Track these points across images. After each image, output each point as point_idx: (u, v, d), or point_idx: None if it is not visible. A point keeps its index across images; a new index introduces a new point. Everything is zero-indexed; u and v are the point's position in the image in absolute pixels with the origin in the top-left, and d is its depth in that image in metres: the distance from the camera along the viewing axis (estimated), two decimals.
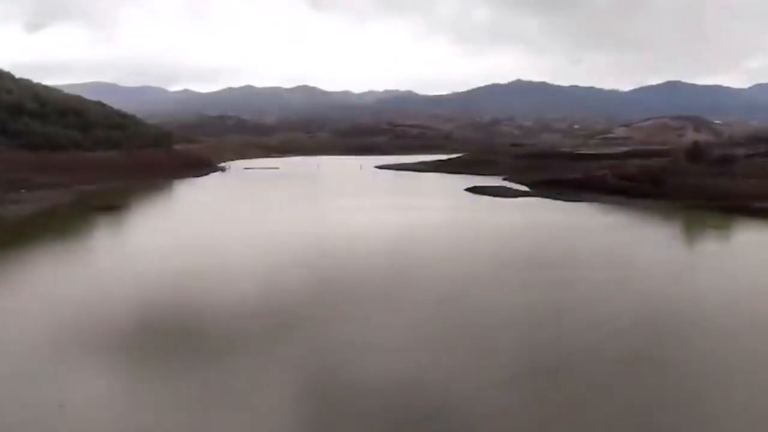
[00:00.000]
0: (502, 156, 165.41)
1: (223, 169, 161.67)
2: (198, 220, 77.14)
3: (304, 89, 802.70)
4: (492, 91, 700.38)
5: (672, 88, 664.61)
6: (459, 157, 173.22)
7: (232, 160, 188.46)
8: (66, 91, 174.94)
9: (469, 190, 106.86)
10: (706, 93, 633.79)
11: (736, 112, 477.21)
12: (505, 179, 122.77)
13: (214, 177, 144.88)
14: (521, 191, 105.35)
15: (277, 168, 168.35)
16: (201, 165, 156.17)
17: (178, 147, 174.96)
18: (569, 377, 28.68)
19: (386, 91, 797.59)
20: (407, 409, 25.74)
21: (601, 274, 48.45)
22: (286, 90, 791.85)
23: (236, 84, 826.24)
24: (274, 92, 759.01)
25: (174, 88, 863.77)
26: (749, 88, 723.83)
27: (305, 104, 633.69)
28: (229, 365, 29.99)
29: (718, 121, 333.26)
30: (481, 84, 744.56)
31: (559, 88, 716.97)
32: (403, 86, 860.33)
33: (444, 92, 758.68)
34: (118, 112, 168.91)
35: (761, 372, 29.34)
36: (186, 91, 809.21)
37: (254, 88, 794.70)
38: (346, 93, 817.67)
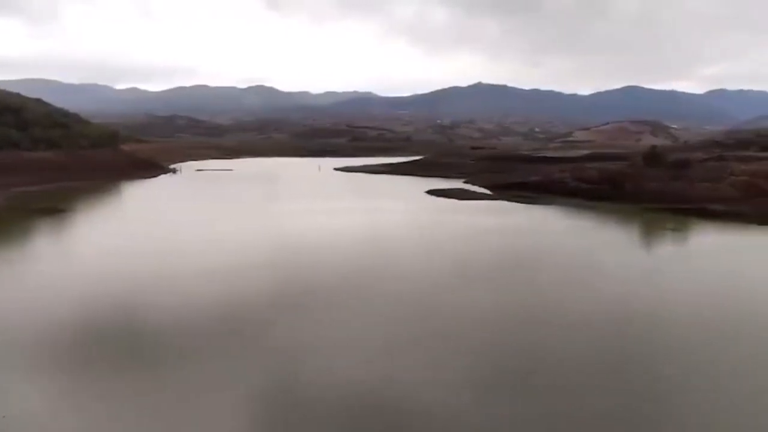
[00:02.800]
0: (463, 159, 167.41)
1: (174, 171, 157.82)
2: (148, 224, 74.75)
3: (260, 89, 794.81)
4: (452, 93, 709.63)
5: (630, 92, 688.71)
6: (419, 159, 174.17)
7: (184, 161, 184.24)
8: (1, 87, 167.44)
9: (429, 192, 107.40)
10: (663, 98, 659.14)
11: (691, 117, 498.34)
12: (465, 182, 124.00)
13: (164, 179, 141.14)
14: (482, 194, 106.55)
15: (231, 170, 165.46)
16: (150, 166, 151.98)
17: (125, 148, 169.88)
18: (539, 380, 28.82)
19: (345, 93, 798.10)
20: (371, 417, 25.36)
21: (563, 277, 49.28)
22: (242, 90, 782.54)
23: (188, 83, 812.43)
24: (229, 92, 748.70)
25: (121, 86, 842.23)
26: (704, 94, 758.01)
27: (261, 105, 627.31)
28: (179, 374, 28.96)
29: (674, 126, 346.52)
30: (442, 86, 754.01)
31: (519, 91, 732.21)
32: (362, 87, 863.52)
33: (404, 94, 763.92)
34: (60, 111, 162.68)
35: (725, 372, 30.18)
36: (134, 89, 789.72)
37: (208, 88, 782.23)
38: (304, 94, 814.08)
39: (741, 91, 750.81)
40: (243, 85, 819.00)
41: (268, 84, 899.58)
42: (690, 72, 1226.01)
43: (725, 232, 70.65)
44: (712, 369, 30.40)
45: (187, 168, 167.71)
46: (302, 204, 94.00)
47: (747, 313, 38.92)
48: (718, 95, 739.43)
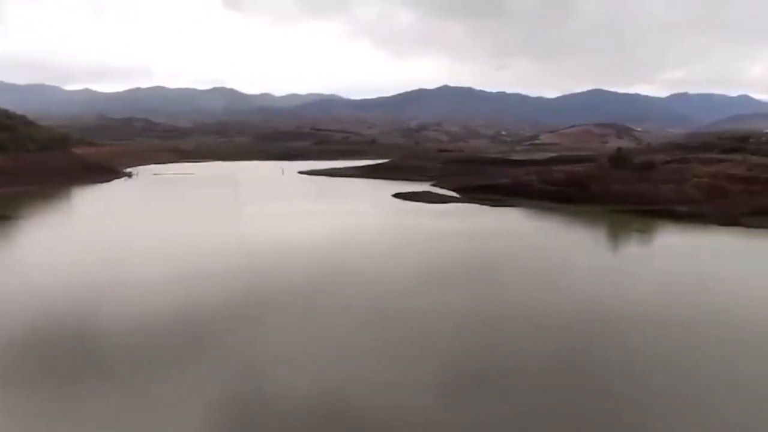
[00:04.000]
0: (430, 162, 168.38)
1: (129, 175, 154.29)
2: (102, 231, 72.95)
3: (221, 91, 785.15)
4: (418, 96, 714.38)
5: (596, 95, 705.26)
6: (385, 162, 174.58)
7: (141, 165, 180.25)
8: None
9: (396, 196, 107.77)
10: (627, 101, 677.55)
11: (654, 120, 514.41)
12: (433, 185, 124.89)
13: (119, 183, 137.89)
14: (449, 197, 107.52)
15: (191, 173, 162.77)
16: (104, 170, 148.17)
17: (77, 151, 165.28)
18: (508, 382, 29.20)
19: (309, 95, 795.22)
20: (339, 426, 25.28)
21: (531, 279, 50.13)
22: (202, 92, 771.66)
23: (145, 84, 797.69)
24: (188, 94, 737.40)
25: (72, 87, 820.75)
26: (666, 97, 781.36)
27: (222, 107, 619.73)
28: (135, 387, 28.33)
29: (638, 129, 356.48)
30: (407, 89, 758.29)
31: (485, 93, 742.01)
32: (326, 90, 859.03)
33: (369, 96, 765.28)
34: (5, 112, 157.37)
35: (690, 370, 31.15)
36: (86, 90, 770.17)
37: (165, 89, 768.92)
38: (267, 96, 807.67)
39: (702, 94, 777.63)
40: (203, 87, 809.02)
41: (229, 86, 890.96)
42: (653, 76, 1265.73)
43: (688, 233, 73.03)
44: (676, 367, 31.36)
45: (145, 172, 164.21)
46: (266, 208, 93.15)
47: (709, 312, 40.31)
48: (680, 99, 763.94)
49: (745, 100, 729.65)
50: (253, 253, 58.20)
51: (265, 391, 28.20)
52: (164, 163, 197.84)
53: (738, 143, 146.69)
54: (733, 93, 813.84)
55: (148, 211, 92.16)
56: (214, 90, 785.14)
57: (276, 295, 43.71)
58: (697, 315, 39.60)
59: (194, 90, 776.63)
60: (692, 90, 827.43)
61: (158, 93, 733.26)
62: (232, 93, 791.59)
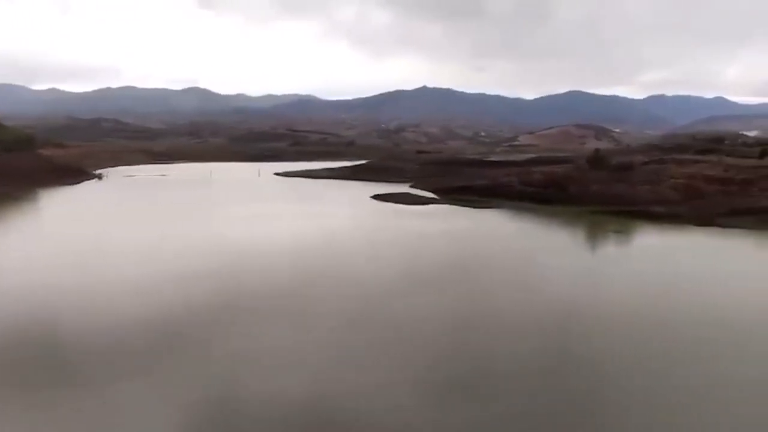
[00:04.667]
0: (408, 163, 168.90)
1: (99, 177, 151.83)
2: (70, 234, 71.71)
3: (195, 91, 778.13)
4: (397, 97, 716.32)
5: (574, 97, 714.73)
6: (364, 163, 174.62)
7: (111, 166, 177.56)
8: None
9: (374, 197, 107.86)
10: (605, 103, 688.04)
11: (632, 121, 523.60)
12: (411, 186, 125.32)
13: (89, 185, 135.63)
14: (428, 198, 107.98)
15: (164, 175, 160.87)
16: (73, 172, 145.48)
17: (44, 152, 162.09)
18: (487, 384, 29.42)
19: (285, 95, 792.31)
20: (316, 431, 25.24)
21: (510, 280, 50.65)
22: (174, 92, 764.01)
23: (115, 84, 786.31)
24: (160, 94, 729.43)
25: (39, 86, 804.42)
26: (644, 99, 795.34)
27: (196, 107, 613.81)
28: (109, 393, 27.94)
29: (616, 130, 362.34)
30: (386, 90, 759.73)
31: (464, 95, 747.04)
32: (303, 90, 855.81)
33: (347, 97, 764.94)
34: None
35: (673, 373, 31.73)
36: (54, 90, 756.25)
37: (136, 89, 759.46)
38: (242, 96, 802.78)
39: (679, 96, 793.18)
40: (175, 87, 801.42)
41: (202, 86, 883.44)
42: (631, 77, 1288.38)
43: (665, 234, 74.42)
44: (655, 367, 31.95)
45: (115, 174, 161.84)
46: (242, 210, 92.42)
47: (686, 312, 41.17)
48: (657, 100, 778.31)
49: (720, 101, 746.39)
50: (228, 256, 57.77)
51: (243, 396, 28.01)
52: (135, 164, 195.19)
53: (714, 144, 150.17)
54: (709, 95, 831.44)
55: (119, 214, 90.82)
56: (188, 90, 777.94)
57: (252, 298, 43.46)
58: (675, 315, 40.38)
59: (167, 90, 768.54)
60: (669, 92, 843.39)
61: (129, 93, 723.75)
62: (206, 93, 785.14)
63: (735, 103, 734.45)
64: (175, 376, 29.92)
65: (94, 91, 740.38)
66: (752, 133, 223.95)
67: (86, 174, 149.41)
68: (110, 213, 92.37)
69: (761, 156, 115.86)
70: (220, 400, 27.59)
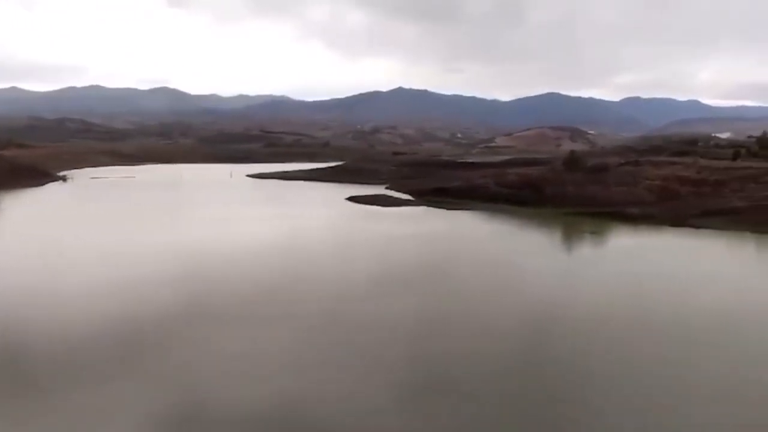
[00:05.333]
0: (384, 164, 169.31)
1: (64, 179, 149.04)
2: (34, 237, 70.18)
3: (164, 91, 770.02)
4: (372, 98, 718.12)
5: (550, 99, 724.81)
6: (339, 165, 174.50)
7: (76, 168, 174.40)
8: None
9: (350, 199, 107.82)
10: (581, 105, 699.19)
11: (607, 123, 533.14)
12: (387, 188, 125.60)
13: (53, 187, 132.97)
14: (404, 200, 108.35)
15: (132, 177, 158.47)
16: (36, 174, 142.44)
17: (5, 153, 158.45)
18: (459, 390, 29.53)
19: (259, 96, 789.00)
20: None
21: (485, 282, 51.04)
22: (143, 92, 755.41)
23: (80, 83, 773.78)
24: (127, 94, 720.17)
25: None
26: (619, 101, 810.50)
27: (165, 108, 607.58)
28: (64, 402, 27.44)
29: (591, 132, 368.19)
30: (361, 90, 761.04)
31: (441, 96, 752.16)
32: (276, 91, 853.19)
33: (322, 98, 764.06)
34: None
35: (649, 374, 32.30)
36: (14, 89, 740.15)
37: (103, 89, 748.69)
38: (213, 97, 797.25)
39: (654, 99, 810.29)
40: (144, 87, 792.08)
41: (172, 86, 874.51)
42: (606, 80, 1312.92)
43: (640, 234, 75.81)
44: (630, 368, 32.50)
45: (81, 175, 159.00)
46: (212, 213, 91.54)
47: (661, 312, 41.99)
48: (632, 103, 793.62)
49: (694, 104, 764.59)
50: (197, 259, 57.13)
51: (210, 403, 27.65)
52: (102, 166, 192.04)
53: (687, 146, 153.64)
54: (683, 98, 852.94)
55: (84, 217, 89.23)
56: (157, 90, 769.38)
57: (222, 303, 42.99)
58: (650, 315, 41.07)
59: (135, 90, 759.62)
60: (644, 94, 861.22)
61: (95, 92, 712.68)
62: (176, 93, 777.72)
63: (708, 106, 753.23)
64: (137, 384, 29.45)
65: (58, 91, 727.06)
66: (725, 135, 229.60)
67: (50, 176, 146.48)
68: (75, 216, 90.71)
69: (733, 158, 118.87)
70: (185, 408, 27.22)
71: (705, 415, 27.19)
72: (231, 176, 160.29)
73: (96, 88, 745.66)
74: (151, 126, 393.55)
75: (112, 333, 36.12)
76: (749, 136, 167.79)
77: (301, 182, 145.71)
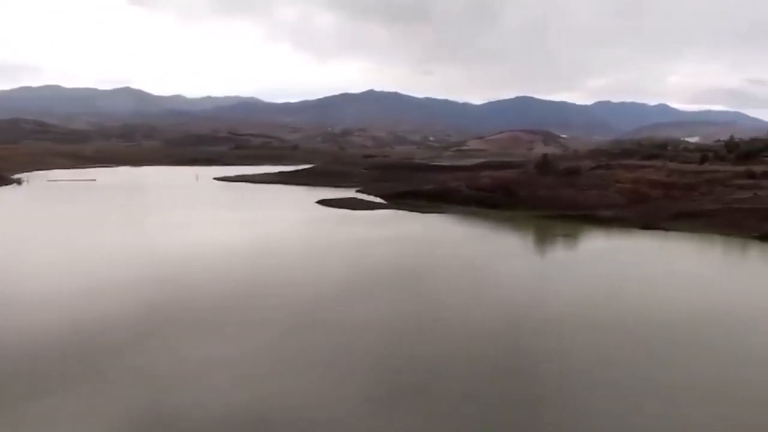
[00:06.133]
0: (355, 167, 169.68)
1: (19, 182, 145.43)
2: None
3: (127, 92, 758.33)
4: (343, 100, 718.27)
5: (522, 102, 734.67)
6: (309, 168, 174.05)
7: (33, 170, 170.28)
8: None
9: (320, 202, 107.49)
10: (553, 108, 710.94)
11: (579, 127, 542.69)
12: (358, 191, 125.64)
13: (7, 191, 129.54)
14: (376, 203, 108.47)
15: (93, 180, 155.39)
16: None
17: None
18: (431, 396, 29.60)
19: (226, 97, 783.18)
20: None
21: (457, 285, 51.29)
22: (104, 92, 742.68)
23: (36, 83, 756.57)
24: (87, 94, 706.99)
25: None
26: (591, 105, 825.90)
27: (128, 109, 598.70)
28: (20, 413, 26.68)
29: (564, 135, 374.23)
30: (332, 93, 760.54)
31: (412, 99, 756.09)
32: (244, 92, 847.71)
33: (291, 100, 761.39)
34: None
35: (622, 375, 32.87)
36: None
37: (61, 89, 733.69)
38: (179, 98, 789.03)
39: (624, 103, 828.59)
40: (105, 87, 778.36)
41: (136, 86, 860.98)
42: (578, 84, 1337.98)
43: (613, 237, 77.20)
44: (603, 369, 33.04)
45: (38, 178, 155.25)
46: (176, 217, 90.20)
47: (634, 314, 42.83)
48: (604, 106, 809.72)
49: (663, 108, 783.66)
50: (160, 265, 56.12)
51: (173, 413, 27.20)
52: (60, 168, 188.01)
53: (658, 150, 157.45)
54: (653, 102, 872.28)
55: (40, 221, 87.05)
56: (119, 90, 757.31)
57: (186, 309, 42.27)
58: (622, 317, 41.79)
59: (95, 90, 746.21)
60: (615, 98, 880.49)
61: (52, 93, 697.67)
62: (139, 94, 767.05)
63: (677, 110, 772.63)
64: (101, 393, 28.83)
65: (12, 90, 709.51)
66: (693, 140, 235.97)
67: (4, 179, 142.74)
68: (30, 220, 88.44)
69: (701, 161, 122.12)
70: (152, 418, 26.76)
71: (690, 415, 27.66)
72: (197, 179, 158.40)
73: (53, 88, 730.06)
74: (112, 127, 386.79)
75: (75, 340, 35.31)
76: (717, 140, 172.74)
77: (270, 185, 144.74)
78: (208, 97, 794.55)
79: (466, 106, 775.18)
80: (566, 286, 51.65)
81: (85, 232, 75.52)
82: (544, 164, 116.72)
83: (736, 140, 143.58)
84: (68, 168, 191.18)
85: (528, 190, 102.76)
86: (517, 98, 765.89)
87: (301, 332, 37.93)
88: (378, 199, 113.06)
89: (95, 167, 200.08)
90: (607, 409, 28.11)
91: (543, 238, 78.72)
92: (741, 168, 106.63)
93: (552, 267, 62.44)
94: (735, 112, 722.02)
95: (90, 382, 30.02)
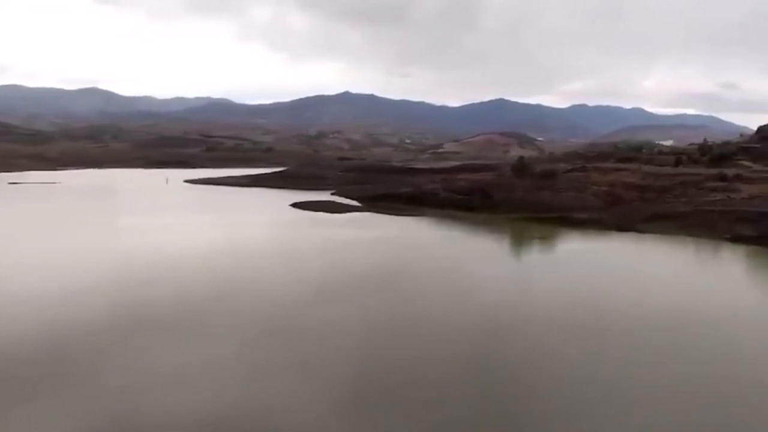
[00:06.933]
0: (330, 170, 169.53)
1: None
2: None
3: (94, 92, 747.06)
4: (318, 102, 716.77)
5: (498, 105, 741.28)
6: (283, 170, 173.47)
7: None
8: None
9: (294, 205, 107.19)
10: (529, 111, 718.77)
11: (556, 130, 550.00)
12: (333, 194, 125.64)
13: None
14: (351, 206, 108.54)
15: (57, 182, 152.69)
16: None
17: None
18: (408, 399, 29.75)
19: (197, 98, 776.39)
20: None
21: (434, 288, 51.57)
22: (69, 92, 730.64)
23: None
24: (52, 94, 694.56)
25: None
26: (567, 108, 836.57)
27: (96, 110, 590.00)
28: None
29: (540, 138, 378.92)
30: (306, 94, 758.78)
31: (388, 101, 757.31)
32: (216, 93, 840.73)
33: (264, 102, 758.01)
34: None
35: (600, 378, 33.41)
36: None
37: (24, 89, 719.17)
38: (148, 99, 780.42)
39: (600, 106, 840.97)
40: (71, 87, 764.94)
41: (103, 86, 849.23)
42: (554, 87, 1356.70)
43: (588, 239, 78.44)
44: (581, 372, 33.60)
45: None
46: (144, 220, 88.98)
47: (615, 314, 43.63)
48: (579, 110, 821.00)
49: (638, 112, 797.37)
50: (126, 270, 55.24)
51: (141, 420, 26.94)
52: (23, 170, 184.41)
53: (633, 153, 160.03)
54: (628, 105, 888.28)
55: (6, 223, 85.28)
56: (86, 91, 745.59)
57: (152, 314, 41.65)
58: (604, 318, 42.41)
59: (60, 90, 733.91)
60: (591, 102, 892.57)
61: (14, 92, 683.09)
62: (107, 95, 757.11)
63: (652, 114, 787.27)
64: (64, 401, 28.40)
65: None
66: (668, 143, 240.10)
67: None
68: None
69: (675, 164, 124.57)
70: (109, 428, 26.43)
71: (674, 415, 28.17)
72: (167, 182, 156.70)
73: (16, 88, 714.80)
74: (78, 128, 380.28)
75: (34, 347, 34.68)
76: (690, 144, 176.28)
77: (244, 188, 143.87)
78: (179, 98, 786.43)
79: (442, 109, 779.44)
80: (543, 288, 52.36)
81: (47, 237, 74.14)
82: (521, 167, 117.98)
83: (710, 143, 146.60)
84: (31, 170, 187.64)
85: (504, 192, 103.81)
86: (494, 101, 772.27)
87: (275, 336, 37.81)
88: (354, 202, 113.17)
89: (60, 169, 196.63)
90: (590, 410, 28.56)
91: (519, 241, 79.64)
92: (714, 171, 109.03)
93: (528, 269, 63.25)
94: (708, 116, 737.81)
95: (51, 390, 29.52)
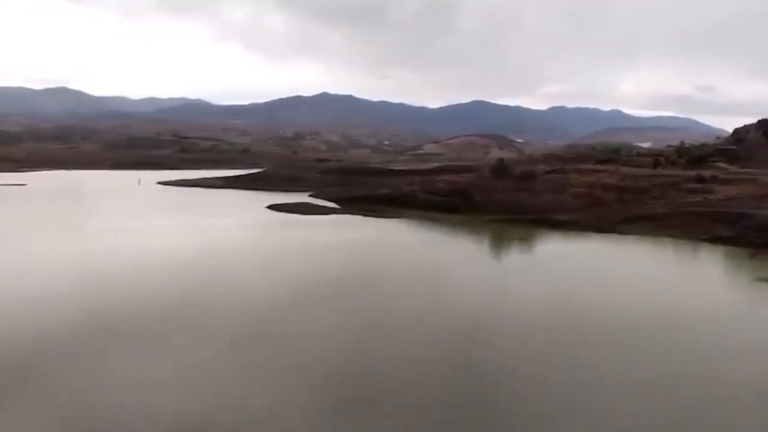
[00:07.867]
0: (307, 171, 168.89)
1: None
2: None
3: (63, 92, 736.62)
4: (296, 103, 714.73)
5: (478, 107, 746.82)
6: (259, 172, 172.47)
7: None
8: None
9: (270, 207, 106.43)
10: (509, 113, 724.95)
11: (535, 131, 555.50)
12: (311, 196, 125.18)
13: None
14: (329, 208, 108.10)
15: (23, 184, 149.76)
16: None
17: None
18: (387, 404, 29.47)
19: (171, 99, 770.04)
20: None
21: (412, 291, 51.49)
22: (37, 92, 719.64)
23: None
24: (17, 93, 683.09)
25: None
26: (546, 110, 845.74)
27: (65, 110, 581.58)
28: None
29: (519, 140, 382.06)
30: (284, 95, 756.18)
31: (367, 102, 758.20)
32: (191, 94, 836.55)
33: (240, 102, 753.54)
34: None
35: (582, 379, 33.53)
36: None
37: None
38: (121, 99, 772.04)
39: (579, 108, 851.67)
40: (38, 86, 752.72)
41: (73, 86, 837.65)
42: (533, 89, 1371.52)
43: (568, 241, 79.05)
44: (560, 373, 33.70)
45: None
46: (115, 224, 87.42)
47: (594, 315, 43.92)
48: (558, 112, 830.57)
49: (617, 114, 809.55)
50: (95, 275, 54.17)
51: (113, 428, 26.36)
52: None
53: (611, 155, 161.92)
54: (606, 107, 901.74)
55: None
56: (54, 90, 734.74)
57: (125, 320, 40.77)
58: (583, 319, 42.67)
59: (27, 89, 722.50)
60: (569, 104, 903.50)
61: None
62: (77, 94, 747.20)
63: (630, 116, 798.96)
64: (31, 414, 27.66)
65: None
66: (646, 145, 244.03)
67: None
68: None
69: (654, 166, 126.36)
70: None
71: (657, 416, 28.29)
72: (139, 183, 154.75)
73: None
74: (46, 129, 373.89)
75: (6, 354, 33.79)
76: (668, 146, 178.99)
77: (219, 190, 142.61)
78: (152, 99, 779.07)
79: (422, 110, 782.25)
80: (523, 290, 52.56)
81: (11, 242, 72.50)
82: (500, 168, 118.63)
83: (687, 146, 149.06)
84: None
85: (484, 194, 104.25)
86: (473, 102, 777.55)
87: (252, 342, 37.30)
88: (331, 204, 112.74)
89: (27, 171, 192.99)
90: (573, 412, 28.61)
91: (499, 242, 79.95)
92: (692, 172, 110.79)
93: (508, 271, 63.46)
94: (685, 118, 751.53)
95: (17, 402, 28.75)
